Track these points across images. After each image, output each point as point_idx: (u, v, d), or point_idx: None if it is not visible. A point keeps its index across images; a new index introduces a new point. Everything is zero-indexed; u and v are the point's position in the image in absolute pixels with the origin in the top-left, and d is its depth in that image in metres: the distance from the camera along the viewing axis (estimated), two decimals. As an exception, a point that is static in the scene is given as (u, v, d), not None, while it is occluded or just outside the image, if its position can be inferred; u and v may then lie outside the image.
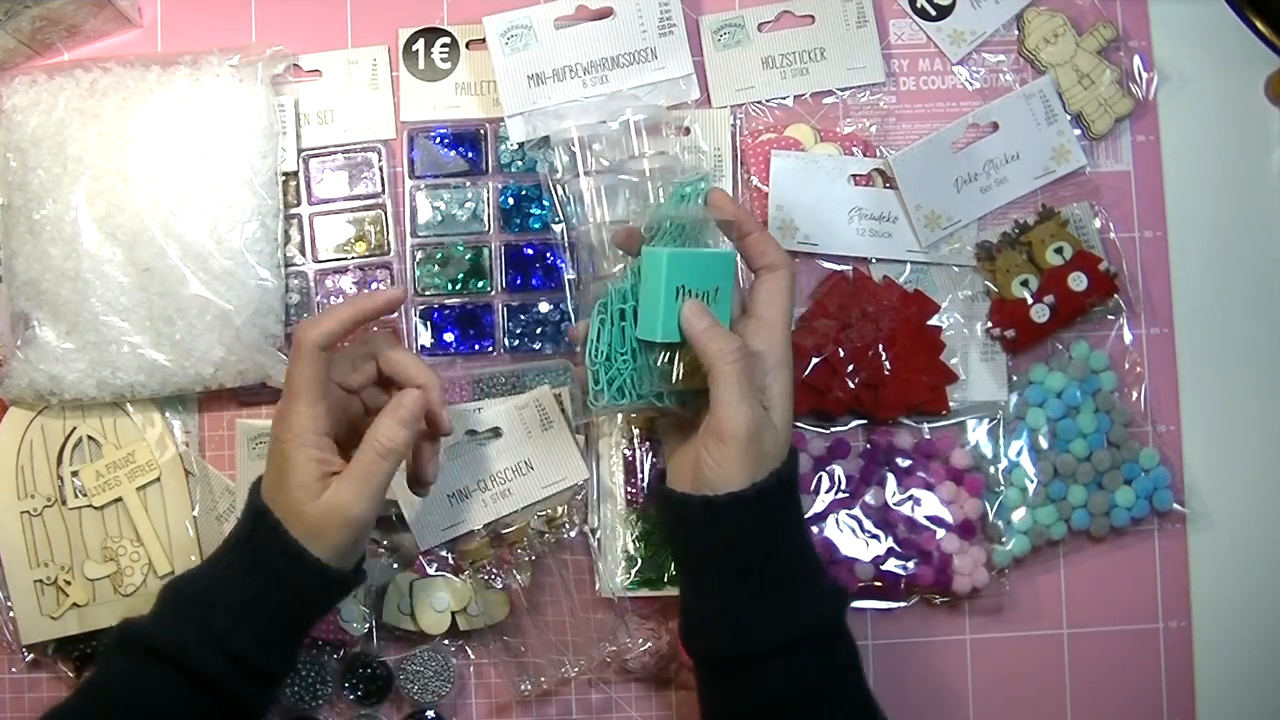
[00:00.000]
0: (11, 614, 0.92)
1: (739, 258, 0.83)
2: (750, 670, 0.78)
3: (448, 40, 0.97)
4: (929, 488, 0.95)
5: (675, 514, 0.81)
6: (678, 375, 0.80)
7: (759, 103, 0.97)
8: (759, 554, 0.78)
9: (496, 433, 0.93)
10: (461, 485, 0.92)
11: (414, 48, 0.97)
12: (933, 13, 0.98)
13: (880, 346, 0.93)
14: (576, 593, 0.95)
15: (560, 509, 0.93)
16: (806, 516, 0.93)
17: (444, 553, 0.93)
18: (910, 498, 0.94)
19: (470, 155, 0.96)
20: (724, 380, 0.76)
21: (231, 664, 0.76)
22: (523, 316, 0.95)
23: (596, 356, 0.82)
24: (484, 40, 0.94)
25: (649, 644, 0.93)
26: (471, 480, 0.92)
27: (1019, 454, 0.95)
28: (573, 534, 0.93)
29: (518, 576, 0.93)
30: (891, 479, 0.95)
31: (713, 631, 0.80)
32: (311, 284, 0.95)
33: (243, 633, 0.77)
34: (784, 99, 0.97)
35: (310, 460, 0.78)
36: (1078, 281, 0.94)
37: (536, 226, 0.95)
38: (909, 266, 0.96)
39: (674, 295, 0.78)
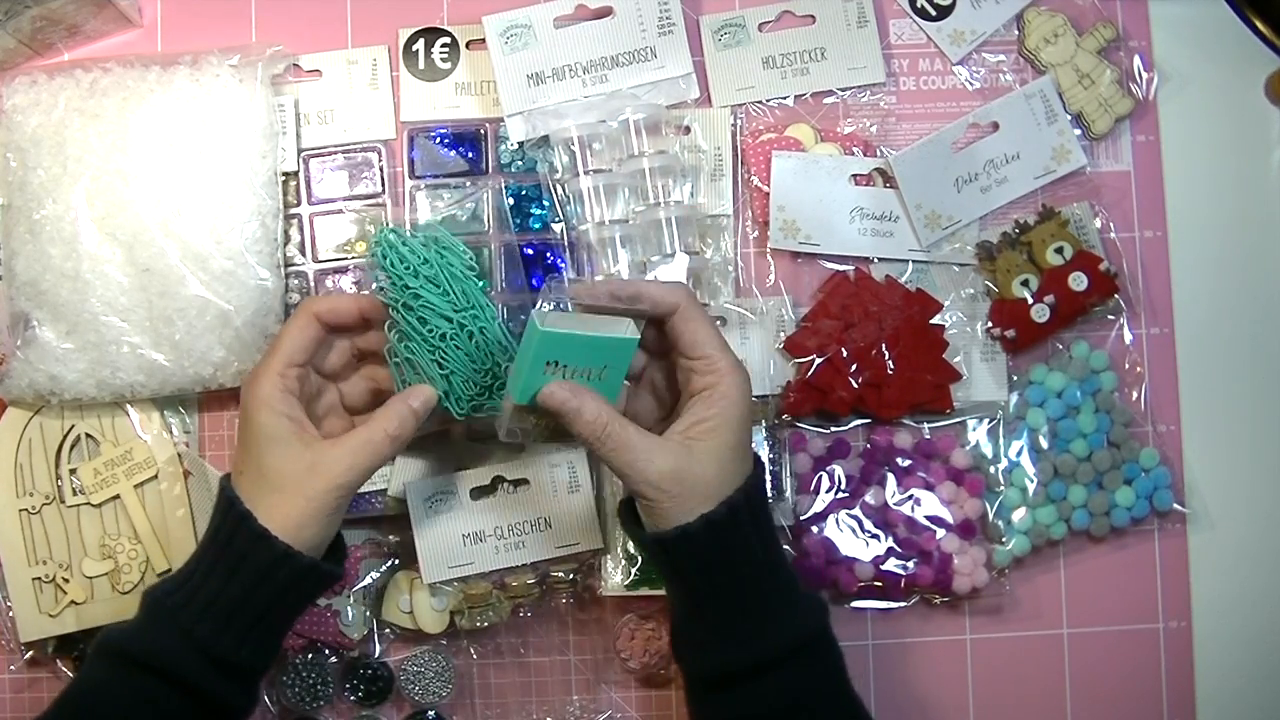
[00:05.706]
0: (10, 612, 0.92)
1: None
2: (723, 689, 0.78)
3: (448, 40, 0.97)
4: (929, 488, 0.94)
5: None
6: (531, 427, 0.81)
7: (759, 102, 0.97)
8: (706, 584, 0.77)
9: (525, 483, 0.92)
10: (478, 528, 0.91)
11: (414, 48, 0.97)
12: (933, 13, 0.98)
13: (883, 346, 0.93)
14: (578, 596, 0.95)
15: (564, 573, 0.92)
16: (806, 516, 0.93)
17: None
18: (910, 498, 0.94)
19: (470, 155, 0.96)
20: (600, 455, 0.76)
21: (213, 667, 0.76)
22: (523, 316, 0.95)
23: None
24: (484, 40, 0.94)
25: (649, 644, 0.93)
26: (489, 525, 0.92)
27: (1019, 454, 0.95)
28: (568, 601, 0.94)
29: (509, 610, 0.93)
30: (891, 479, 0.95)
31: (683, 648, 0.80)
32: (311, 284, 0.95)
33: (228, 636, 0.76)
34: (784, 99, 0.97)
35: (279, 416, 0.77)
36: (1078, 281, 0.94)
37: (536, 226, 0.95)
38: (910, 266, 0.96)
39: (540, 368, 0.78)
